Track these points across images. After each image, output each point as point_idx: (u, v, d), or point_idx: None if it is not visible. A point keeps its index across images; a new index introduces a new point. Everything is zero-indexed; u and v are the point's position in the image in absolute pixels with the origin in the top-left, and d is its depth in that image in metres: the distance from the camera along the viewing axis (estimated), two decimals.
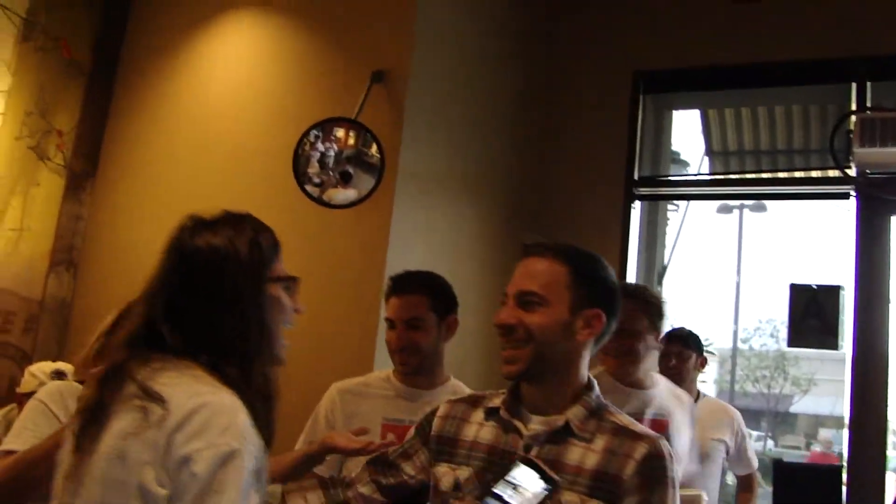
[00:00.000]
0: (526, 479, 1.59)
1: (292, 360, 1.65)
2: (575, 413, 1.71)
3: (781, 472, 3.97)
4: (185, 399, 1.41)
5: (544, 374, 1.74)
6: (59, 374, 3.22)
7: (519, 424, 1.74)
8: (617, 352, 2.82)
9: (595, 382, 1.79)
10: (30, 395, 3.16)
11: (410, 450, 1.90)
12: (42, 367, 3.25)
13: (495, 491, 1.58)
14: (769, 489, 4.06)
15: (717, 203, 11.16)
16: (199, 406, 1.41)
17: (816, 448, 12.32)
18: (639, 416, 2.84)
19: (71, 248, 4.28)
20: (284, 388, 1.60)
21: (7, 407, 3.28)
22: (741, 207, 12.85)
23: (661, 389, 2.92)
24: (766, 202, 12.11)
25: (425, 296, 2.53)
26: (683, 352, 3.69)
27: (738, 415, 3.95)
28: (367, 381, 2.60)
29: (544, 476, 1.59)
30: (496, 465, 1.71)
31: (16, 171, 4.06)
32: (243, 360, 1.50)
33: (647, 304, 2.88)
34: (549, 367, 1.73)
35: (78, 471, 1.43)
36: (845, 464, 3.82)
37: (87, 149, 4.36)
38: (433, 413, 1.91)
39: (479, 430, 1.80)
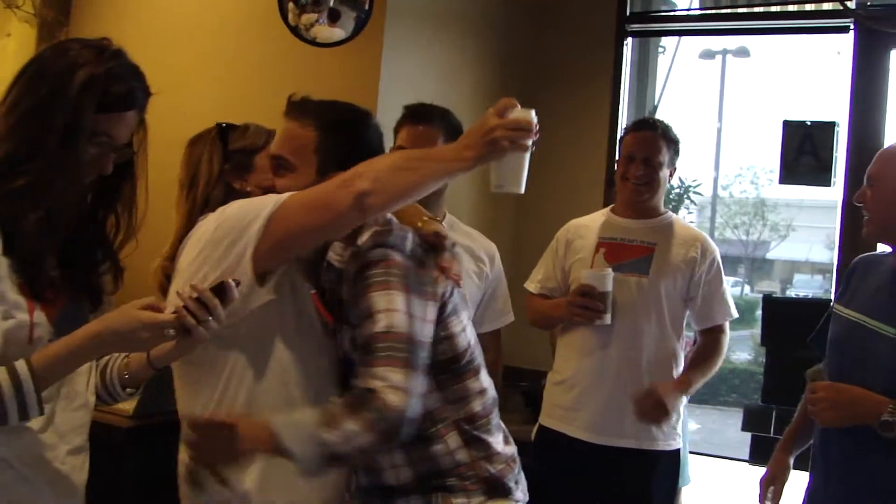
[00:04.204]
0: None
1: None
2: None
3: (770, 306, 4.04)
4: None
5: None
6: None
7: None
8: (639, 179, 2.89)
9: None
10: None
11: None
12: None
13: None
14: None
15: (701, 48, 10.98)
16: None
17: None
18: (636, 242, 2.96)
19: None
20: None
21: None
22: (724, 53, 12.64)
23: (670, 225, 3.02)
24: (750, 47, 11.92)
25: (442, 129, 2.49)
26: None
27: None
28: None
29: None
30: None
31: None
32: None
33: (668, 137, 2.94)
34: None
35: None
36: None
37: None
38: None
39: None
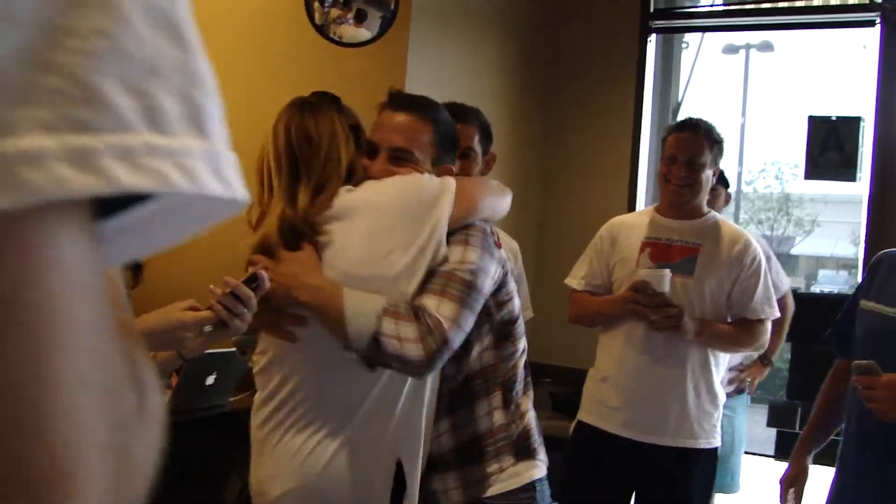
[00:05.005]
0: None
1: None
2: None
3: (795, 302, 4.02)
4: None
5: None
6: None
7: None
8: (681, 181, 2.88)
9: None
10: None
11: None
12: None
13: None
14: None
15: (724, 43, 10.95)
16: None
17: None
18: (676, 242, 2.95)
19: None
20: None
21: None
22: (747, 48, 12.59)
23: (715, 225, 2.99)
24: (774, 41, 11.86)
25: (477, 127, 2.52)
26: (717, 188, 3.66)
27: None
28: None
29: None
30: None
31: None
32: None
33: (711, 138, 2.93)
34: None
35: None
36: None
37: None
38: None
39: None
